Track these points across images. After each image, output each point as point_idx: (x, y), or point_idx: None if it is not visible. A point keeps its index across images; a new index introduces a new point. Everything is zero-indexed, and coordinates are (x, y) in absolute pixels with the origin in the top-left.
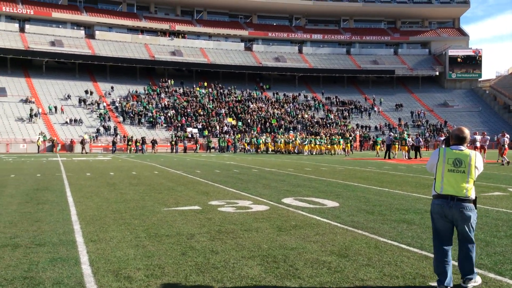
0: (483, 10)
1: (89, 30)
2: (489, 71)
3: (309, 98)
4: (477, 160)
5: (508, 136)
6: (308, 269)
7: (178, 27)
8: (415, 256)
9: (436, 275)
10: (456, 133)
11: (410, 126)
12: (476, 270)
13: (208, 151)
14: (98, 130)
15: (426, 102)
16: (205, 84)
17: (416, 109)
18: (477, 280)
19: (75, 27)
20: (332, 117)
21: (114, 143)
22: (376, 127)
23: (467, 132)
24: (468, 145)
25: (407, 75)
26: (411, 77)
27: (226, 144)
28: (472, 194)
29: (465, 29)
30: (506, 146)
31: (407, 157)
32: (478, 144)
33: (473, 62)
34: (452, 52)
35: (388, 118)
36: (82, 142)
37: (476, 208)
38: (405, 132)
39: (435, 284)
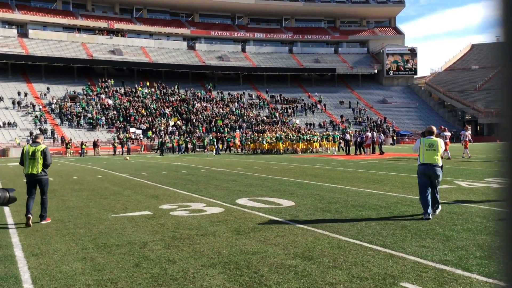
0: (415, 10)
1: (22, 29)
2: (423, 69)
3: (253, 97)
4: (440, 143)
5: (448, 133)
6: (274, 275)
7: (117, 25)
8: (379, 254)
9: (423, 209)
10: (428, 129)
11: (352, 122)
12: (442, 266)
13: (159, 152)
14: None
15: (366, 99)
16: (148, 83)
17: (357, 106)
18: (439, 207)
19: (7, 26)
20: (277, 115)
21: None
22: (320, 124)
23: (434, 128)
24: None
25: (348, 73)
26: (351, 75)
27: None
28: (440, 162)
29: (401, 28)
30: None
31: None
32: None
33: (408, 61)
34: (389, 51)
35: (331, 115)
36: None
37: (442, 170)
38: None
39: (405, 284)
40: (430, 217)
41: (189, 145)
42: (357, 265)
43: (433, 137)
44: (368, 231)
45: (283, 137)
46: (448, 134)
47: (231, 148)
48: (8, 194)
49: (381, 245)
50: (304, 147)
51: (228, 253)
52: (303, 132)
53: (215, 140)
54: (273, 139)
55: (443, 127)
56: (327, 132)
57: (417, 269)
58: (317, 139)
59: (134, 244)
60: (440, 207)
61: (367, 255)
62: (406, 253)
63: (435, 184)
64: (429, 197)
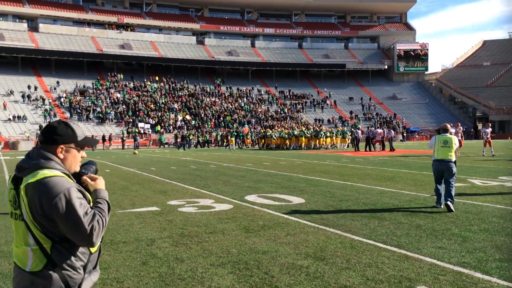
0: (426, 6)
1: (32, 23)
2: (434, 65)
3: (262, 92)
4: (455, 140)
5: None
6: (285, 276)
7: (127, 19)
8: (394, 255)
9: (436, 198)
10: (443, 127)
11: (362, 119)
12: (460, 269)
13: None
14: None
15: (376, 95)
16: (157, 78)
17: (366, 102)
18: (452, 207)
19: (17, 20)
20: (286, 110)
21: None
22: (329, 120)
23: (449, 126)
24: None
25: (358, 69)
26: (361, 70)
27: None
28: (453, 158)
29: (412, 24)
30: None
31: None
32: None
33: (420, 57)
34: (400, 46)
35: (340, 111)
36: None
37: (456, 165)
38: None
39: (423, 287)
40: (442, 206)
41: (200, 140)
42: (372, 267)
43: (448, 134)
44: (382, 230)
45: (304, 132)
46: (453, 130)
47: (241, 144)
48: (94, 167)
49: (395, 245)
50: (318, 143)
51: (238, 252)
52: (316, 127)
53: (236, 134)
54: (286, 135)
55: (459, 124)
56: (340, 128)
57: (434, 271)
58: (330, 134)
59: (142, 241)
60: (452, 205)
61: (381, 256)
62: (422, 255)
63: (448, 179)
64: (442, 188)
